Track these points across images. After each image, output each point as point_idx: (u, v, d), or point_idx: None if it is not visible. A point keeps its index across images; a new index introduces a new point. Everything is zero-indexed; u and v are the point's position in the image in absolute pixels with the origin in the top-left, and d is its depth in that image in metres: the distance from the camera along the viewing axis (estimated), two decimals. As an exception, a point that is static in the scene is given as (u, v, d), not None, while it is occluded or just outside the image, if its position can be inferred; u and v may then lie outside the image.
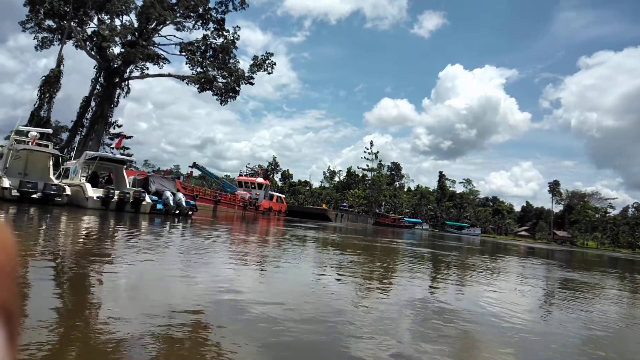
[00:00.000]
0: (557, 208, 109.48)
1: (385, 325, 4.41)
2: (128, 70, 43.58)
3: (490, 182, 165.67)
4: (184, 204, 21.60)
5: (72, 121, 42.85)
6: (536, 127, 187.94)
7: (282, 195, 61.52)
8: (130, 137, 50.84)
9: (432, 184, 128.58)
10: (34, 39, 39.85)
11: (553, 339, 4.69)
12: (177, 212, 21.33)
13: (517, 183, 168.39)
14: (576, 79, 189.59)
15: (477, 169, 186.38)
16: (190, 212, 21.99)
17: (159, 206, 20.92)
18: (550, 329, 5.30)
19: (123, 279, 5.58)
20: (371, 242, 20.05)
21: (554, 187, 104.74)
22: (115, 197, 18.83)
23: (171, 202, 21.12)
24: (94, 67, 42.45)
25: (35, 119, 35.94)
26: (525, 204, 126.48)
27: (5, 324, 0.33)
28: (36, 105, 37.00)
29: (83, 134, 42.10)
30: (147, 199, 20.09)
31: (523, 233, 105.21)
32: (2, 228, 0.36)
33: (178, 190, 28.60)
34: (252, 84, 45.78)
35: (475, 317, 5.26)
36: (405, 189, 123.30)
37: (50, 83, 37.44)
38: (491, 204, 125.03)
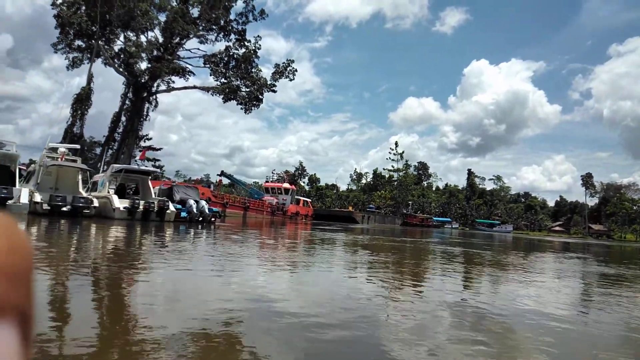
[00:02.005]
0: (593, 201, 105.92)
1: (422, 329, 4.48)
2: (155, 85, 44.96)
3: (522, 178, 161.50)
4: (206, 211, 22.31)
5: (104, 136, 44.72)
6: (567, 119, 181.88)
7: (309, 200, 62.06)
8: (159, 149, 52.32)
9: (461, 182, 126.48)
10: (65, 59, 41.77)
11: (596, 339, 4.66)
12: (201, 219, 22.04)
13: (550, 177, 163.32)
14: (607, 67, 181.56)
15: (508, 164, 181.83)
16: (213, 219, 22.67)
17: (183, 214, 21.66)
18: (593, 329, 5.20)
19: (156, 285, 6.01)
20: (400, 243, 20.09)
21: (587, 180, 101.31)
22: (141, 207, 19.65)
23: (194, 210, 21.85)
24: (123, 83, 44.07)
25: (69, 135, 37.69)
26: (559, 199, 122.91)
27: (21, 326, 0.34)
28: (69, 123, 38.84)
29: (115, 148, 43.86)
30: (171, 207, 20.83)
31: (557, 228, 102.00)
32: (17, 231, 0.36)
33: (209, 200, 29.53)
34: (274, 91, 46.50)
35: (511, 318, 5.23)
36: (434, 188, 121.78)
37: (82, 100, 39.18)
38: (523, 199, 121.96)
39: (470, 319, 5.01)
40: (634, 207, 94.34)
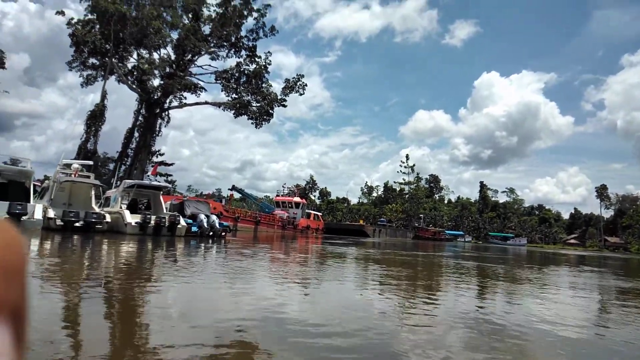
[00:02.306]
0: (608, 213, 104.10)
1: (434, 342, 4.43)
2: (167, 101, 45.50)
3: (536, 190, 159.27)
4: (217, 225, 22.37)
5: (117, 152, 45.28)
6: (580, 131, 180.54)
7: (319, 213, 61.90)
8: (171, 164, 52.72)
9: (473, 194, 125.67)
10: (80, 76, 42.70)
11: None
12: (211, 233, 22.09)
13: (564, 189, 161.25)
14: (620, 78, 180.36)
15: (521, 176, 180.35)
16: (223, 234, 22.71)
17: (194, 229, 21.73)
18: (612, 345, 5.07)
19: (169, 299, 6.04)
20: (411, 257, 19.88)
21: (601, 192, 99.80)
22: (152, 222, 19.79)
23: (205, 225, 21.92)
24: (136, 100, 44.68)
25: (83, 151, 38.26)
26: (573, 211, 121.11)
27: (14, 325, 0.33)
28: (83, 139, 39.47)
29: (128, 163, 44.38)
30: (182, 222, 20.93)
31: (572, 241, 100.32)
32: (10, 229, 0.36)
33: (221, 214, 29.60)
34: (284, 106, 46.80)
35: (527, 333, 5.11)
36: (446, 201, 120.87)
37: (95, 117, 39.86)
38: (537, 212, 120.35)
39: (484, 332, 4.90)
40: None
